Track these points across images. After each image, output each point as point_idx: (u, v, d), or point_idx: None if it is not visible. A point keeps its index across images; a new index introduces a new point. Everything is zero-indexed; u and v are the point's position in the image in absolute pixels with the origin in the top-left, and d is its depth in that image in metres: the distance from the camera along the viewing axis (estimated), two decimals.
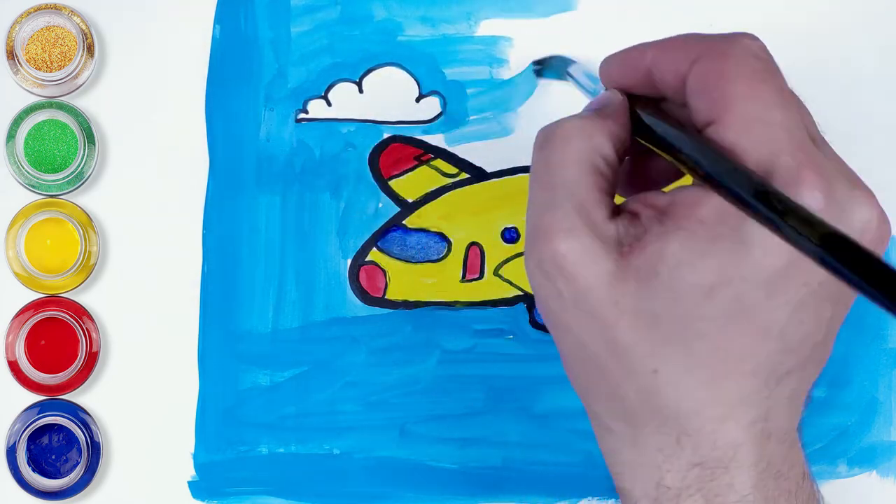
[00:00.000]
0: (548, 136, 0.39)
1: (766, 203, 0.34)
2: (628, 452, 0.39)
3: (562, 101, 0.56)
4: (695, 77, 0.38)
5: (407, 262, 0.56)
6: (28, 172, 0.54)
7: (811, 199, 0.35)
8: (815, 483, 0.41)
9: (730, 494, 0.37)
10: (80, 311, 0.55)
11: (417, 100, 0.56)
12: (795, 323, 0.37)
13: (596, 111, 0.41)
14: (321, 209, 0.56)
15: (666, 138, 0.38)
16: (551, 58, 0.55)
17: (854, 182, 0.37)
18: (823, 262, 0.31)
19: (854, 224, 0.36)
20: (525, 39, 0.56)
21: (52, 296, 0.55)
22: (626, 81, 0.41)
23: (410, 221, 0.56)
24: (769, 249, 0.35)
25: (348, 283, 0.56)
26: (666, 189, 0.40)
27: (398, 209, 0.56)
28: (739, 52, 0.37)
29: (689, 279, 0.36)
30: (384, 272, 0.56)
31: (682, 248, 0.36)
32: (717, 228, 0.36)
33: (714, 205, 0.36)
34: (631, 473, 0.39)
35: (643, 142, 0.40)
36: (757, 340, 0.36)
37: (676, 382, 0.37)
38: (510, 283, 0.56)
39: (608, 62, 0.42)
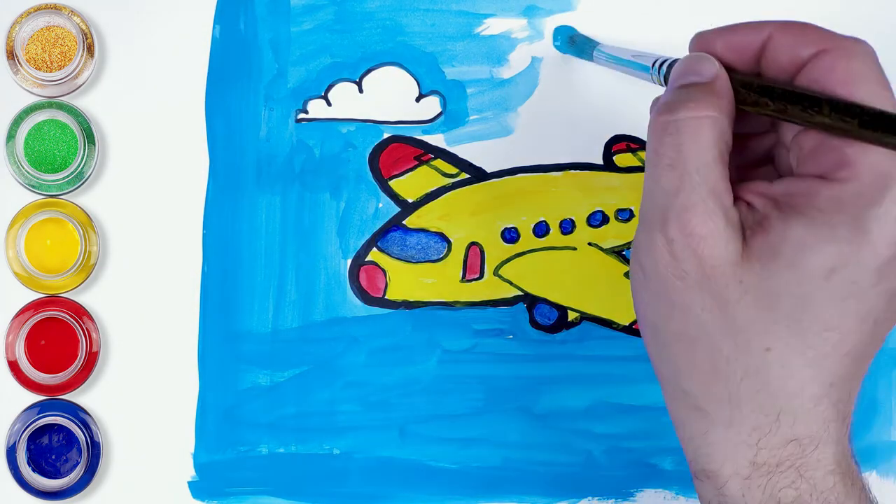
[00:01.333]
0: (677, 122, 0.40)
1: None
2: (721, 432, 0.40)
3: (562, 101, 0.56)
4: (820, 68, 0.39)
5: (407, 262, 0.56)
6: (28, 172, 0.54)
7: None
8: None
9: (818, 469, 0.40)
10: (80, 311, 0.55)
11: (417, 100, 0.56)
12: (888, 311, 0.39)
13: (706, 89, 0.41)
14: (321, 209, 0.56)
15: (806, 96, 0.39)
16: (578, 36, 0.55)
17: None
18: None
19: None
20: (525, 39, 0.56)
21: (52, 296, 0.55)
22: (730, 56, 0.42)
23: (410, 221, 0.56)
24: (885, 238, 0.38)
25: (348, 283, 0.56)
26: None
27: (398, 209, 0.56)
28: (865, 55, 0.39)
29: (811, 261, 0.38)
30: (384, 272, 0.56)
31: (806, 232, 0.38)
32: (835, 217, 0.38)
33: (830, 195, 0.38)
34: (721, 453, 0.40)
35: (762, 112, 0.41)
36: (858, 324, 0.39)
37: (785, 361, 0.39)
38: (510, 283, 0.56)
39: (710, 36, 0.43)
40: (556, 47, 0.56)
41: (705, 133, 0.40)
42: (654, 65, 0.46)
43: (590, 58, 0.54)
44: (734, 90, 0.41)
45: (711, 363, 0.40)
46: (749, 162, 0.44)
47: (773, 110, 0.40)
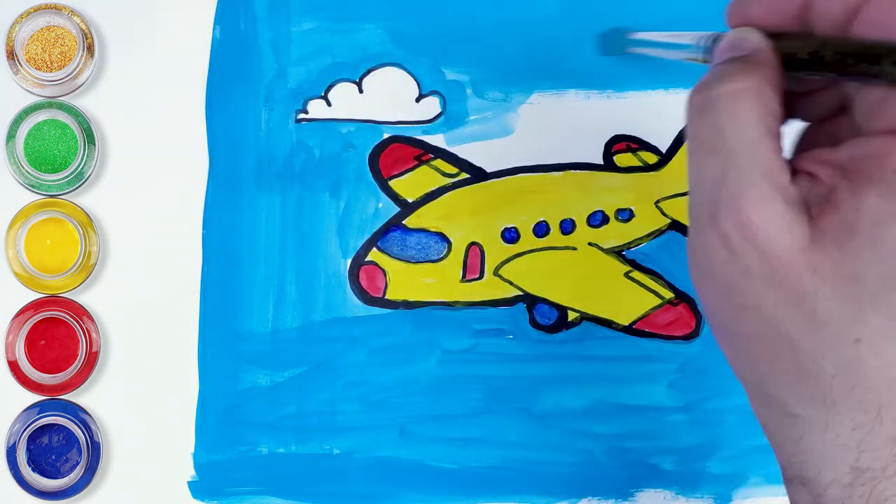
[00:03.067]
0: (711, 99, 0.36)
1: None
2: (818, 436, 0.36)
3: (562, 101, 0.56)
4: (877, 8, 0.34)
5: (407, 262, 0.56)
6: (28, 172, 0.54)
7: None
8: None
9: None
10: (80, 311, 0.55)
11: (417, 100, 0.56)
12: None
13: (746, 60, 0.37)
14: (321, 209, 0.56)
15: (863, 47, 0.34)
16: (609, 34, 0.54)
17: None
18: None
19: None
20: (525, 39, 0.56)
21: (52, 296, 0.55)
22: (772, 18, 0.37)
23: (410, 221, 0.56)
24: None
25: (348, 283, 0.56)
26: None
27: (398, 209, 0.56)
28: None
29: (893, 234, 0.33)
30: (384, 272, 0.56)
31: (881, 201, 0.33)
32: None
33: None
34: (819, 460, 0.36)
35: (814, 75, 0.36)
36: None
37: (880, 349, 0.35)
38: (510, 283, 0.56)
39: (743, 4, 0.38)
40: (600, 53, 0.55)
41: (746, 106, 0.35)
42: (698, 42, 0.42)
43: (623, 51, 0.52)
44: (780, 56, 0.36)
45: (796, 364, 0.35)
46: (806, 128, 0.39)
47: (828, 71, 0.35)
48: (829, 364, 0.35)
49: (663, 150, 0.57)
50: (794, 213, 0.34)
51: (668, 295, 0.57)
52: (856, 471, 0.36)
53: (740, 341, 0.37)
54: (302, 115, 0.56)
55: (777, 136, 0.35)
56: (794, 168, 0.36)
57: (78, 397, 0.55)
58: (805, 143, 0.39)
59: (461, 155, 0.56)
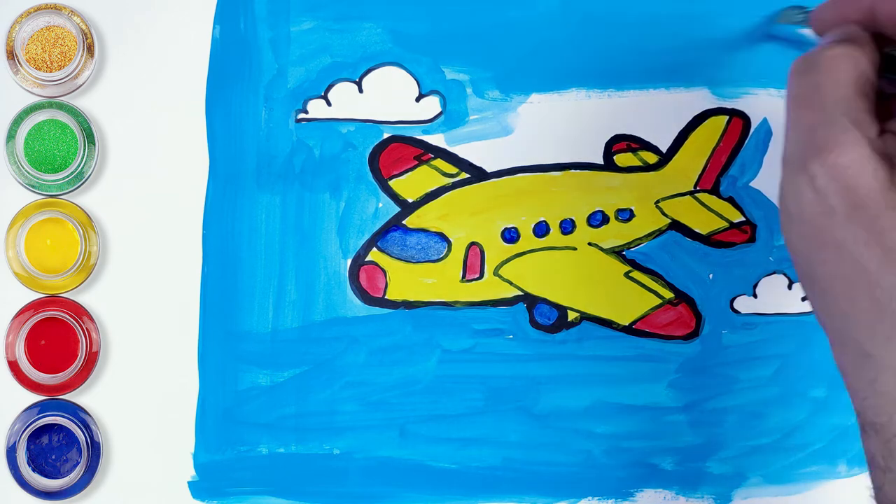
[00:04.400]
0: (812, 61, 0.40)
1: None
2: (891, 378, 0.38)
3: (562, 101, 0.56)
4: None
5: (407, 262, 0.56)
6: (28, 172, 0.54)
7: None
8: None
9: None
10: (80, 311, 0.55)
11: (417, 100, 0.56)
12: None
13: (846, 38, 0.41)
14: (321, 209, 0.56)
15: None
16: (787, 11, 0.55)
17: None
18: None
19: None
20: (525, 39, 0.56)
21: (52, 296, 0.55)
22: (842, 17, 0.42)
23: (410, 221, 0.56)
24: None
25: (348, 283, 0.56)
26: None
27: (398, 209, 0.56)
28: None
29: None
30: (384, 272, 0.56)
31: None
32: None
33: None
34: (890, 403, 0.38)
35: None
36: None
37: None
38: (510, 283, 0.56)
39: (821, 10, 0.43)
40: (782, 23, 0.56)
41: (843, 67, 0.39)
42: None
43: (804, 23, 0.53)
44: (878, 48, 0.41)
45: (873, 301, 0.38)
46: None
47: None
48: None
49: (663, 150, 0.57)
50: (878, 160, 0.38)
51: (668, 295, 0.56)
52: None
53: (824, 283, 0.39)
54: (302, 115, 0.56)
55: (869, 99, 0.39)
56: (883, 129, 0.39)
57: (78, 397, 0.55)
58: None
59: (461, 155, 0.56)
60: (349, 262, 0.56)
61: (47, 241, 0.54)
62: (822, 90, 0.39)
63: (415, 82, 0.56)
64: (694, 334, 0.57)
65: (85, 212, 0.55)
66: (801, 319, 0.57)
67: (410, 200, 0.56)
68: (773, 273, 0.57)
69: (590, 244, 0.56)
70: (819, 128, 0.38)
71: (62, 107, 0.55)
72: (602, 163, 0.56)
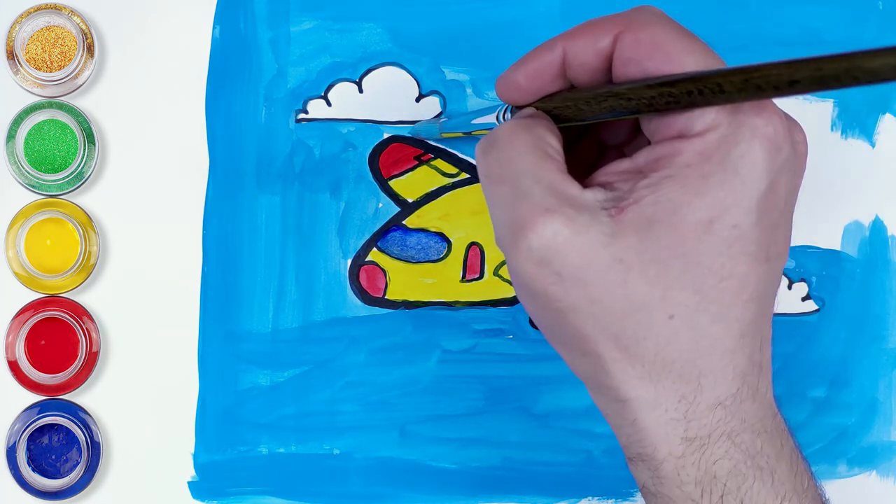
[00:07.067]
0: (491, 142, 0.41)
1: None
2: (649, 415, 0.40)
3: None
4: (628, 47, 0.39)
5: (407, 262, 0.56)
6: (28, 172, 0.54)
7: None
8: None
9: (743, 432, 0.39)
10: (80, 311, 0.55)
11: (417, 100, 0.56)
12: (776, 243, 0.39)
13: (520, 116, 0.42)
14: (321, 209, 0.56)
15: (617, 94, 0.39)
16: (419, 129, 0.56)
17: None
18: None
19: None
20: (525, 39, 0.56)
21: (52, 296, 0.55)
22: (536, 83, 0.42)
23: (410, 221, 0.56)
24: (755, 172, 0.38)
25: (348, 283, 0.56)
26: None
27: (398, 209, 0.56)
28: (658, 19, 0.40)
29: (689, 219, 0.38)
30: (384, 272, 0.56)
31: (677, 192, 0.38)
32: (704, 167, 0.38)
33: (694, 149, 0.38)
34: (652, 436, 0.40)
35: (601, 118, 0.41)
36: (751, 266, 0.38)
37: (692, 322, 0.38)
38: (510, 283, 0.56)
39: (510, 74, 0.43)
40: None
41: (522, 138, 0.40)
42: (497, 116, 0.47)
43: (437, 135, 0.54)
44: (547, 112, 0.42)
45: (621, 349, 0.39)
46: (605, 157, 0.44)
47: (593, 114, 0.40)
48: (650, 344, 0.39)
49: None
50: (586, 216, 0.38)
51: None
52: (686, 441, 0.39)
53: (572, 342, 0.40)
54: (302, 115, 0.56)
55: (555, 161, 0.40)
56: (588, 183, 0.40)
57: (78, 397, 0.55)
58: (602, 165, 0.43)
59: (461, 155, 0.56)
60: (349, 262, 0.56)
61: (47, 241, 0.54)
62: (506, 165, 0.40)
63: (415, 82, 0.56)
64: None
65: (85, 212, 0.55)
66: (801, 319, 0.57)
67: (410, 200, 0.56)
68: None
69: None
70: (516, 203, 0.39)
71: (62, 107, 0.55)
72: None
